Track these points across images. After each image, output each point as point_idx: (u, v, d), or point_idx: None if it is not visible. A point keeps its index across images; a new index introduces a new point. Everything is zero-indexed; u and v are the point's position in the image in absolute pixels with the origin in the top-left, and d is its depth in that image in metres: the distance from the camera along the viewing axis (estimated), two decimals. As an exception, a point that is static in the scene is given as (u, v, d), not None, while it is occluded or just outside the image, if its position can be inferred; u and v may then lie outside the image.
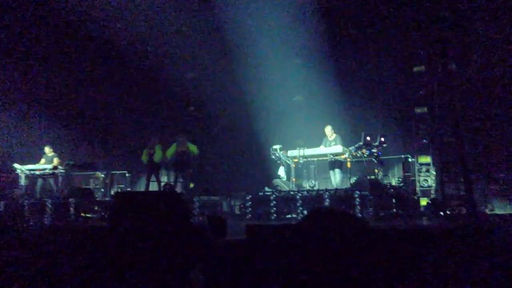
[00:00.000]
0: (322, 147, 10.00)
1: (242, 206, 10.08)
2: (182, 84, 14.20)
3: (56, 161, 11.52)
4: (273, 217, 8.68)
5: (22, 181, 11.46)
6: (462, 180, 9.54)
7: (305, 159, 9.97)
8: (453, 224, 7.11)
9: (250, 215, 9.01)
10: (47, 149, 11.82)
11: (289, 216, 8.80)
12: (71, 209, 9.49)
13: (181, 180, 10.96)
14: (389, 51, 12.63)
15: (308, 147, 9.97)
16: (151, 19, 12.99)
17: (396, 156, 11.58)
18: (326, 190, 8.57)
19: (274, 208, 8.76)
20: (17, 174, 11.57)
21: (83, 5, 12.01)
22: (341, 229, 0.89)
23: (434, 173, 11.37)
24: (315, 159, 9.98)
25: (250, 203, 9.06)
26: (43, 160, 11.73)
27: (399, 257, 4.15)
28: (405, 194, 9.73)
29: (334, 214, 0.93)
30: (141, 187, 13.78)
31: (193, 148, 10.59)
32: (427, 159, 11.65)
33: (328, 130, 10.13)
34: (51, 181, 11.51)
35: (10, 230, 7.37)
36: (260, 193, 9.25)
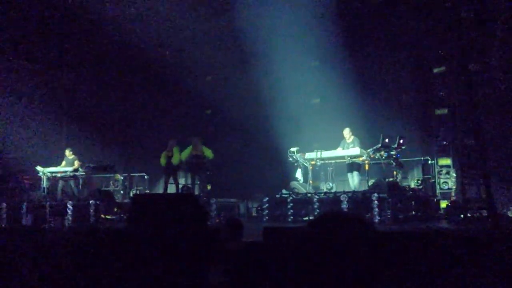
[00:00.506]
0: (339, 149, 9.95)
1: (259, 208, 10.10)
2: (199, 88, 14.29)
3: (76, 163, 11.71)
4: (290, 219, 8.67)
5: (44, 183, 11.68)
6: (483, 182, 9.36)
7: (322, 162, 9.92)
8: (474, 226, 7.00)
9: (267, 217, 9.01)
10: (67, 152, 12.03)
11: (306, 218, 8.78)
12: (91, 210, 9.63)
13: (198, 183, 11.02)
14: (409, 52, 12.49)
15: (326, 150, 9.93)
16: (169, 24, 13.12)
17: (415, 158, 11.44)
18: (344, 192, 8.52)
19: (291, 211, 8.75)
20: (40, 176, 11.80)
21: (104, 11, 12.19)
22: (343, 234, 0.89)
23: (455, 175, 11.19)
24: (333, 161, 9.93)
25: (267, 205, 9.07)
26: (63, 163, 11.94)
27: (413, 261, 4.10)
28: (425, 197, 9.61)
29: (339, 218, 0.93)
30: (159, 189, 13.92)
31: (208, 152, 10.63)
32: (447, 161, 11.47)
33: (346, 132, 10.07)
34: (72, 183, 11.70)
35: (32, 231, 7.52)
36: (277, 196, 9.24)
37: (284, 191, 9.56)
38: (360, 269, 1.00)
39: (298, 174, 10.21)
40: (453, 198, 10.76)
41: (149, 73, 14.97)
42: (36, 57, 13.79)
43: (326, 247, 1.01)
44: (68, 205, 9.79)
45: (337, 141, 10.27)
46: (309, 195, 8.91)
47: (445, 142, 11.67)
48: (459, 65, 11.47)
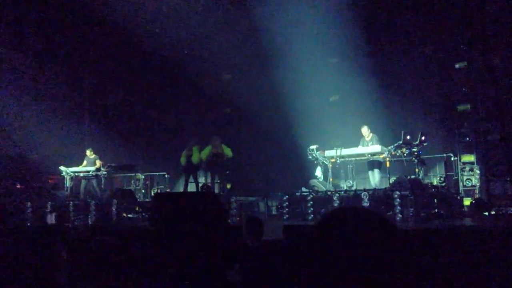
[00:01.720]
0: (360, 147, 9.86)
1: (279, 206, 10.08)
2: (219, 87, 14.33)
3: (98, 163, 11.88)
4: (310, 218, 8.64)
5: (67, 183, 11.88)
6: (509, 179, 9.17)
7: (342, 159, 9.85)
8: (500, 224, 6.85)
9: (287, 216, 8.99)
10: (88, 152, 12.20)
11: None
12: (113, 209, 9.75)
13: (218, 181, 11.05)
14: (430, 47, 12.29)
15: (345, 147, 9.85)
16: (188, 23, 13.18)
17: (437, 155, 11.26)
18: (364, 190, 8.44)
19: (311, 209, 8.72)
20: (63, 176, 12.01)
21: (124, 12, 12.32)
22: (360, 230, 0.87)
23: (478, 172, 10.98)
24: (353, 159, 9.85)
25: (287, 203, 9.05)
26: (84, 162, 12.12)
27: (438, 259, 4.03)
28: (448, 194, 9.44)
29: (355, 213, 0.90)
30: (179, 188, 14.01)
31: (228, 151, 10.64)
32: (470, 157, 11.26)
33: (365, 130, 9.97)
34: (94, 182, 11.87)
35: (56, 229, 7.65)
36: (297, 194, 9.21)
37: (304, 189, 9.52)
38: (379, 268, 0.97)
39: (318, 172, 10.16)
40: (477, 196, 10.56)
41: (169, 73, 15.08)
42: (58, 57, 14.02)
43: (340, 243, 0.98)
44: (91, 204, 9.94)
45: (357, 138, 10.18)
46: (329, 193, 8.86)
47: (468, 138, 11.46)
48: (482, 60, 11.26)
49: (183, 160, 11.05)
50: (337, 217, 1.04)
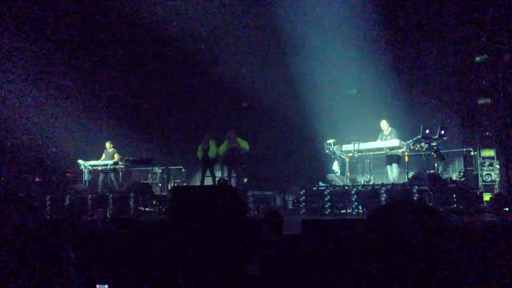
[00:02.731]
0: (378, 141, 9.76)
1: (295, 201, 10.05)
2: (235, 80, 14.31)
3: (116, 157, 11.99)
4: (327, 212, 8.59)
5: (85, 176, 12.03)
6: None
7: (360, 154, 9.77)
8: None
9: (304, 210, 8.96)
10: (108, 145, 12.32)
11: (343, 211, 8.67)
12: (131, 203, 9.83)
13: (235, 175, 11.07)
14: (450, 40, 12.09)
15: (363, 141, 9.77)
16: (205, 16, 13.17)
17: (457, 150, 11.10)
18: (383, 185, 8.36)
19: (329, 203, 8.66)
20: (81, 169, 12.15)
21: (140, 5, 12.36)
22: (415, 226, 0.83)
23: (498, 167, 10.79)
24: (371, 153, 9.76)
25: (304, 198, 9.01)
26: (103, 156, 12.24)
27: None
28: (467, 189, 9.30)
29: (408, 208, 0.87)
30: (196, 182, 14.08)
31: (244, 144, 10.64)
32: (490, 152, 11.06)
33: (384, 124, 9.86)
34: (112, 176, 11.99)
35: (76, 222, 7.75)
36: (314, 188, 9.16)
37: (321, 183, 9.47)
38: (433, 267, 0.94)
39: (335, 166, 10.10)
40: (497, 191, 10.39)
41: (186, 67, 15.12)
42: (77, 51, 14.15)
43: (391, 239, 0.95)
44: (109, 198, 10.04)
45: (375, 132, 10.09)
46: (346, 187, 8.79)
47: (488, 133, 11.26)
48: (503, 53, 11.03)
49: (199, 154, 11.09)
50: (388, 211, 1.00)
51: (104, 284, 4.33)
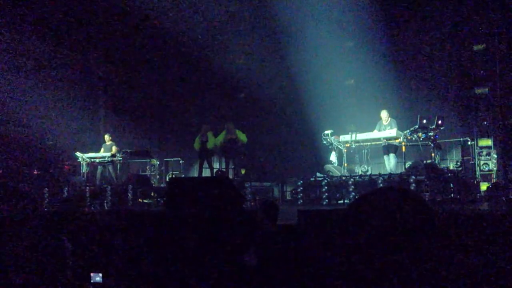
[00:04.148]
0: (376, 131, 9.77)
1: (293, 191, 10.08)
2: (232, 71, 14.27)
3: (114, 149, 11.99)
4: (324, 203, 8.63)
5: (83, 169, 12.03)
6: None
7: (357, 144, 9.78)
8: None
9: (301, 201, 8.99)
10: (106, 137, 12.33)
11: (341, 201, 8.71)
12: (129, 195, 9.86)
13: (233, 167, 11.09)
14: (448, 29, 12.04)
15: (360, 132, 9.77)
16: (202, 8, 13.10)
17: (454, 139, 11.12)
18: (380, 175, 8.39)
19: (326, 194, 8.70)
20: (79, 162, 12.15)
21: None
22: (398, 212, 0.82)
23: (496, 156, 10.82)
24: (368, 143, 9.77)
25: (301, 188, 9.04)
26: (102, 149, 12.25)
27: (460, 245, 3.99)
28: (464, 179, 9.34)
29: (391, 193, 0.86)
30: (194, 174, 14.10)
31: (242, 136, 10.65)
32: (488, 141, 11.09)
33: (384, 114, 9.81)
34: (110, 168, 11.99)
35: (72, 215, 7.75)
36: (312, 179, 9.19)
37: (318, 174, 9.50)
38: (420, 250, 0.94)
39: (333, 157, 10.12)
40: (494, 180, 10.43)
41: (183, 58, 15.06)
42: (74, 43, 14.09)
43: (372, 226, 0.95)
44: (107, 190, 10.05)
45: (372, 123, 10.08)
46: (344, 178, 8.82)
47: (485, 122, 11.28)
48: (501, 42, 11.01)
49: (197, 145, 11.09)
50: (372, 199, 1.00)
51: (98, 272, 4.37)
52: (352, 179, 8.51)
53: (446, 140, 10.79)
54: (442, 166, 10.12)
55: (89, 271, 4.37)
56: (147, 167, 13.17)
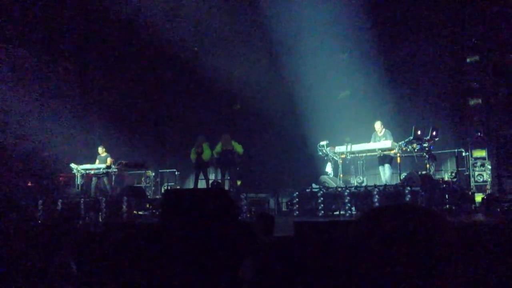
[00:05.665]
0: (371, 142, 9.80)
1: (289, 203, 10.06)
2: (228, 83, 14.31)
3: (109, 160, 11.94)
4: (320, 214, 8.61)
5: (78, 180, 11.96)
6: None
7: (352, 155, 9.80)
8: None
9: (297, 212, 8.97)
10: (100, 149, 12.27)
11: (336, 212, 8.70)
12: (124, 206, 9.79)
13: (228, 178, 11.07)
14: (441, 41, 12.17)
15: (356, 143, 9.80)
16: (197, 19, 13.18)
17: (449, 150, 11.16)
18: (375, 186, 8.39)
19: (322, 205, 8.69)
20: (74, 173, 12.08)
21: (134, 7, 12.34)
22: (411, 228, 0.81)
23: (490, 167, 10.86)
24: (363, 154, 9.80)
25: (297, 199, 9.03)
26: (97, 161, 12.19)
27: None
28: (459, 190, 9.36)
29: (401, 210, 0.86)
30: (189, 185, 14.04)
31: (238, 147, 10.66)
32: (482, 152, 11.13)
33: (378, 125, 9.87)
34: (105, 180, 11.93)
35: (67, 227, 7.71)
36: (307, 190, 9.18)
37: (314, 185, 9.49)
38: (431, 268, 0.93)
39: (328, 168, 10.12)
40: (488, 191, 10.45)
41: (178, 70, 15.10)
42: (68, 55, 14.11)
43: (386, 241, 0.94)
44: (102, 202, 9.99)
45: (367, 134, 10.12)
46: (339, 189, 8.82)
47: (479, 133, 11.34)
48: (494, 54, 11.13)
49: (193, 156, 11.07)
50: (384, 213, 0.99)
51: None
52: (347, 190, 8.51)
53: (441, 151, 10.83)
54: (437, 177, 10.15)
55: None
56: (142, 179, 13.14)
